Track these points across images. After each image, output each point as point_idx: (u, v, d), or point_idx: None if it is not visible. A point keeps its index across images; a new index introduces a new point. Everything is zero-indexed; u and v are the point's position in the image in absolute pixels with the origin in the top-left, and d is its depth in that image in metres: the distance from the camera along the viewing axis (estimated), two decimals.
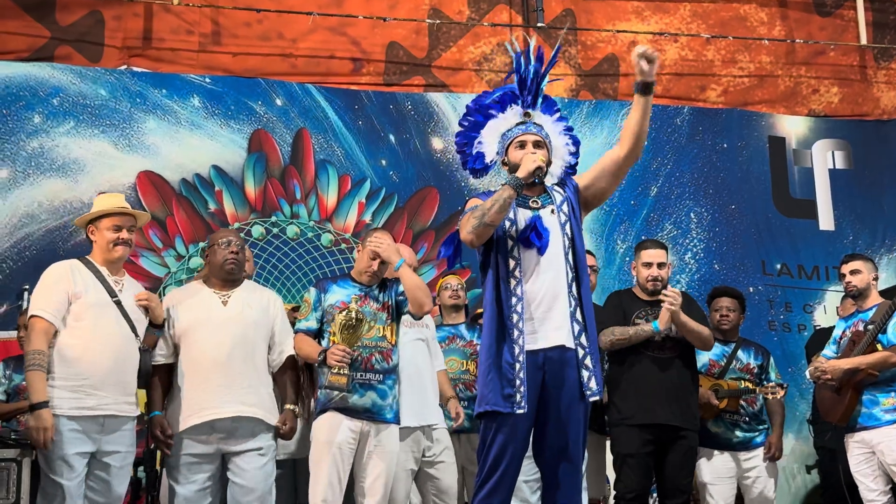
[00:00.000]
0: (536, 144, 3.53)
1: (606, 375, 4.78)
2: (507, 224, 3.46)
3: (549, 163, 3.54)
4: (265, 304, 4.42)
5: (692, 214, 7.34)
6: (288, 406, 4.32)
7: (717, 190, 7.41)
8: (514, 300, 3.40)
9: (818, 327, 6.95)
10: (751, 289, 7.09)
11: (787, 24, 7.77)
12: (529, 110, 3.60)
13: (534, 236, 3.43)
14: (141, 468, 4.65)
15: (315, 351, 4.25)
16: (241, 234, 5.50)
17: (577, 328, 3.43)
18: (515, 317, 3.38)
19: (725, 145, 7.49)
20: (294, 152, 6.76)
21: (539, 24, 7.08)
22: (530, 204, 3.52)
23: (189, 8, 6.69)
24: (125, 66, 6.61)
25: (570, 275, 3.47)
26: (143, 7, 6.64)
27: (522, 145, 3.53)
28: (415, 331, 4.71)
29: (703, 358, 5.12)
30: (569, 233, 3.50)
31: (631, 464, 4.59)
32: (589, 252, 5.26)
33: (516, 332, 3.37)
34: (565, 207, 3.54)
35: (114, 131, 6.43)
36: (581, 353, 3.42)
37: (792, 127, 7.67)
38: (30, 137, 6.28)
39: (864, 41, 7.74)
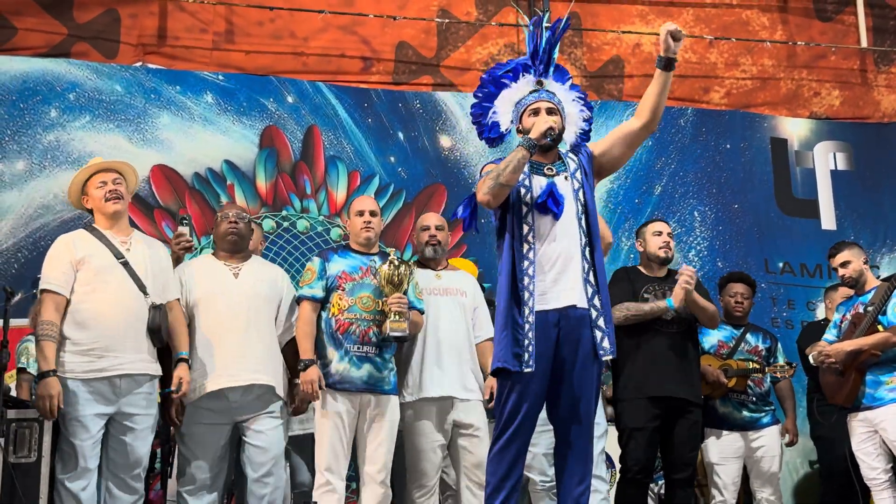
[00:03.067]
0: (549, 111, 3.62)
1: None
2: (522, 191, 3.56)
3: (562, 129, 3.64)
4: (274, 279, 4.55)
5: (696, 213, 7.44)
6: (297, 381, 4.38)
7: (720, 189, 7.51)
8: (525, 263, 3.49)
9: (804, 323, 7.01)
10: None
11: (787, 29, 7.92)
12: (542, 79, 3.71)
13: (551, 202, 3.52)
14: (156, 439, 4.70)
15: (306, 352, 4.29)
16: None
17: (590, 290, 3.52)
18: (527, 279, 3.47)
19: (728, 146, 7.60)
20: (305, 148, 6.87)
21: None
22: (545, 171, 3.61)
23: (203, 6, 6.84)
24: (140, 63, 6.74)
25: (584, 240, 3.56)
26: (159, 5, 6.79)
27: (536, 112, 3.62)
28: (451, 299, 4.66)
29: (711, 339, 5.20)
30: (582, 199, 3.60)
31: (638, 437, 4.65)
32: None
33: (527, 295, 3.46)
34: (578, 174, 3.64)
35: (128, 126, 6.55)
36: (594, 313, 3.51)
37: (794, 129, 7.79)
38: (46, 131, 6.39)
39: (864, 45, 7.88)
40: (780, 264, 7.48)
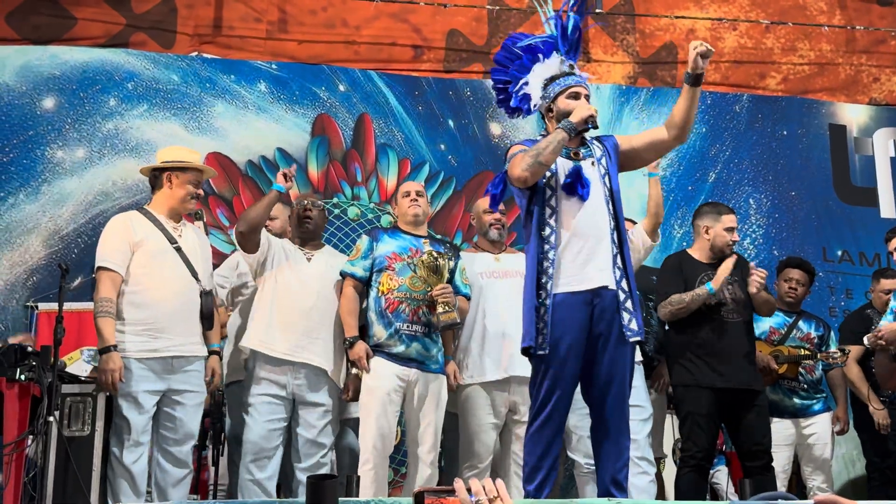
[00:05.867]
0: (587, 98, 3.65)
1: (669, 338, 4.79)
2: (548, 174, 3.56)
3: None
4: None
5: (751, 200, 7.32)
6: (353, 371, 4.45)
7: (776, 177, 7.39)
8: (546, 247, 3.51)
9: (846, 311, 6.84)
10: None
11: (846, 14, 7.75)
12: (573, 62, 3.70)
13: (578, 185, 3.53)
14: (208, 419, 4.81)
15: (351, 329, 4.37)
16: None
17: (618, 273, 3.54)
18: (546, 263, 3.50)
19: (785, 133, 7.48)
20: (356, 136, 6.93)
21: (598, 11, 7.17)
22: (571, 155, 3.62)
23: None
24: (196, 53, 6.87)
25: (612, 223, 3.57)
26: None
27: (577, 96, 3.63)
28: (510, 281, 4.61)
29: (763, 325, 5.12)
30: (608, 184, 3.61)
31: (702, 423, 4.57)
32: (629, 220, 5.32)
33: (545, 278, 3.48)
34: (604, 161, 3.66)
35: (184, 114, 6.68)
36: (622, 296, 3.52)
37: (853, 115, 7.63)
38: (105, 119, 6.56)
39: None
40: (839, 253, 7.34)
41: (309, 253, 4.57)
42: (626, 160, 3.75)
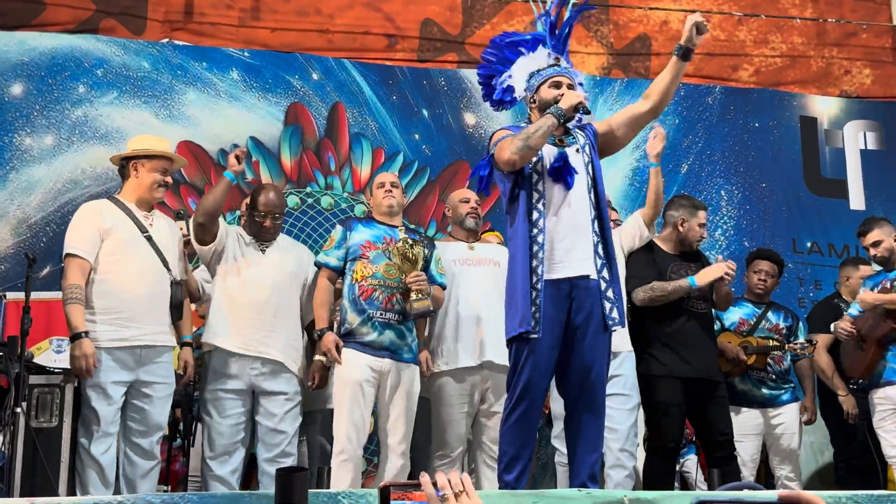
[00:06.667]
0: (570, 87, 3.65)
1: (642, 328, 4.82)
2: (534, 159, 3.57)
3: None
4: (300, 258, 4.62)
5: (722, 192, 7.37)
6: (316, 357, 4.43)
7: (747, 168, 7.44)
8: (535, 231, 3.51)
9: (815, 301, 6.91)
10: None
11: (818, 7, 7.80)
12: (559, 56, 3.72)
13: (566, 172, 3.54)
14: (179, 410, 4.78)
15: (322, 321, 4.34)
16: None
17: (600, 262, 3.55)
18: (536, 247, 3.50)
19: (757, 124, 7.53)
20: (329, 125, 6.90)
21: (573, 2, 7.16)
22: (556, 142, 3.63)
23: None
24: (167, 40, 6.80)
25: (594, 212, 3.59)
26: None
27: (558, 85, 3.65)
28: (484, 269, 4.64)
29: (732, 316, 5.18)
30: (591, 172, 3.63)
31: (670, 413, 4.61)
32: (612, 207, 5.34)
33: (535, 262, 3.49)
34: (587, 149, 3.67)
35: (155, 102, 6.62)
36: (604, 285, 3.53)
37: (824, 107, 7.69)
38: (74, 106, 6.48)
39: None
40: (808, 244, 7.41)
41: (263, 244, 4.51)
42: (606, 144, 3.77)
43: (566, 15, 3.76)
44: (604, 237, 3.58)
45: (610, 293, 3.54)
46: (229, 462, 4.29)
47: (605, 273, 3.55)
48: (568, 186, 3.54)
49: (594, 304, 3.50)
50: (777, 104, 7.60)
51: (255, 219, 4.50)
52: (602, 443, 3.58)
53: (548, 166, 3.55)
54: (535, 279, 3.47)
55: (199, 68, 6.73)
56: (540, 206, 3.53)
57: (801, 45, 7.73)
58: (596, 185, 3.62)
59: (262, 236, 4.51)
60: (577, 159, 3.60)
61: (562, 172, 3.53)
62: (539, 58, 3.73)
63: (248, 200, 4.78)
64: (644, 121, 3.77)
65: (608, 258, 3.57)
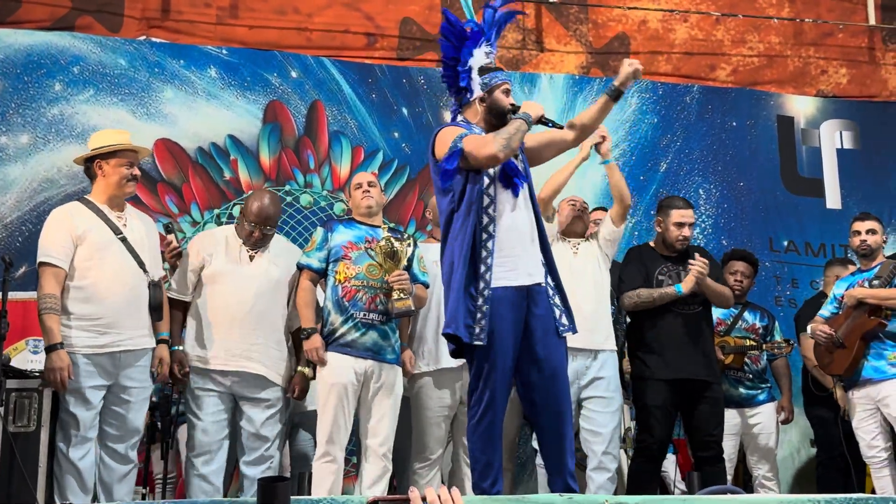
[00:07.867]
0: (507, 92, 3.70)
1: (629, 330, 4.84)
2: None
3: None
4: (291, 264, 4.54)
5: (700, 191, 7.41)
6: (300, 368, 4.41)
7: (725, 167, 7.48)
8: (485, 237, 3.49)
9: (791, 300, 7.00)
10: None
11: (795, 7, 7.86)
12: (492, 49, 3.68)
13: (514, 176, 3.55)
14: (157, 412, 4.76)
15: (307, 321, 4.32)
16: None
17: (544, 269, 3.60)
18: (485, 253, 3.48)
19: (734, 124, 7.57)
20: (308, 123, 6.87)
21: (551, 1, 7.18)
22: None
23: None
24: (144, 37, 6.73)
25: (534, 218, 3.62)
26: None
27: (508, 93, 3.67)
28: None
29: None
30: (528, 179, 3.67)
31: (658, 415, 4.65)
32: (602, 208, 5.36)
33: (483, 268, 3.46)
34: (521, 156, 3.70)
35: (132, 100, 6.55)
36: (551, 291, 3.57)
37: (800, 107, 7.75)
38: (50, 105, 6.41)
39: (872, 23, 7.81)
40: (785, 243, 7.47)
41: (252, 251, 4.47)
42: (530, 157, 3.79)
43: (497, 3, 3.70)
44: (543, 244, 3.62)
45: (557, 300, 3.57)
46: (213, 461, 4.27)
47: (549, 280, 3.58)
48: (515, 192, 3.55)
49: (546, 310, 3.53)
50: (754, 103, 7.64)
51: (244, 225, 4.45)
52: (572, 442, 3.58)
53: (499, 171, 3.54)
54: (482, 285, 3.44)
55: (177, 66, 6.68)
56: (491, 210, 3.51)
57: (779, 44, 7.78)
58: (531, 193, 3.66)
59: (250, 243, 4.47)
60: (519, 166, 3.63)
61: (512, 179, 3.55)
62: (482, 55, 3.65)
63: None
64: (565, 148, 3.85)
65: (549, 265, 3.61)
